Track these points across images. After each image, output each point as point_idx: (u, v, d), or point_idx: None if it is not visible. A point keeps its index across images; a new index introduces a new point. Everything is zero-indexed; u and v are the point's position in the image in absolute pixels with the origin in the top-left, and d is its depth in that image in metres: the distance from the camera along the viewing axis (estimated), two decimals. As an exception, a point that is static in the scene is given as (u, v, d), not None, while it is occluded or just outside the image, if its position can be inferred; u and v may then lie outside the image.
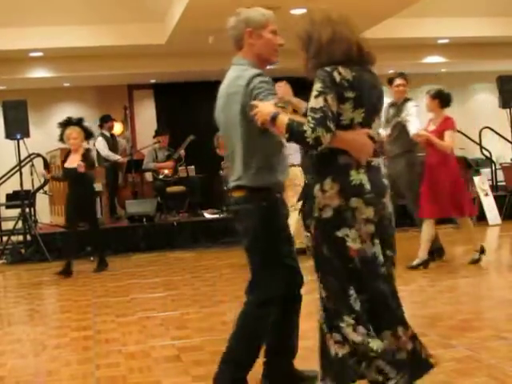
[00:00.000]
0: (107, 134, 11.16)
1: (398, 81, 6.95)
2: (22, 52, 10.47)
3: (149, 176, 11.11)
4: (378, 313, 2.80)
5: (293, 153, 7.87)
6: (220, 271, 7.20)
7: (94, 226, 7.88)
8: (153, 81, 13.16)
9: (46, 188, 10.47)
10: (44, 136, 11.49)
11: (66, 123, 7.97)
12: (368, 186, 2.74)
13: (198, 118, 11.31)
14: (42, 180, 9.82)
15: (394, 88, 6.96)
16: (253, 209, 3.09)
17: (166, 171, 10.32)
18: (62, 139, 7.96)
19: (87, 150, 7.86)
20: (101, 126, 11.21)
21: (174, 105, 13.07)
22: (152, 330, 4.81)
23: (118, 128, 12.22)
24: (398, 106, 6.90)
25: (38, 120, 12.14)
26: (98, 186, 10.28)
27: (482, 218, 10.23)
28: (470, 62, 13.19)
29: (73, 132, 7.71)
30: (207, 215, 10.12)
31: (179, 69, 11.72)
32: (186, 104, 12.81)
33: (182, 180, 10.46)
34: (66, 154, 7.97)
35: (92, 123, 12.22)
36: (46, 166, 10.23)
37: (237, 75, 3.10)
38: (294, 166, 7.78)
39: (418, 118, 6.76)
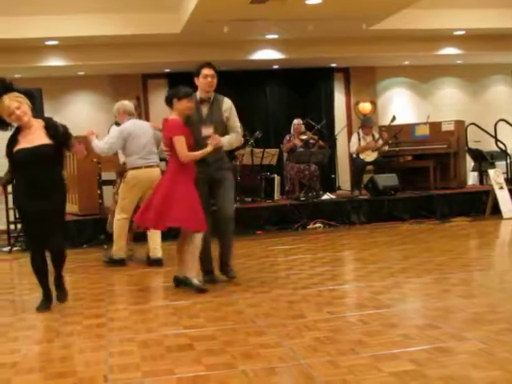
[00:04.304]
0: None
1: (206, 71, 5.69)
2: (38, 40, 10.50)
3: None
4: None
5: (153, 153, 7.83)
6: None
7: (62, 232, 5.47)
8: (167, 70, 13.13)
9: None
10: (59, 124, 11.53)
11: None
12: None
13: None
14: None
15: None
16: None
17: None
18: None
19: (48, 120, 5.49)
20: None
21: (188, 94, 13.05)
22: (165, 318, 4.82)
23: (130, 117, 12.24)
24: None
25: (52, 108, 12.17)
26: (111, 175, 10.31)
27: (496, 211, 10.21)
28: (485, 53, 13.07)
29: (12, 102, 4.94)
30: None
31: (194, 58, 11.65)
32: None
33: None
34: (13, 135, 5.08)
35: (106, 112, 12.32)
36: None
37: None
38: (152, 166, 7.73)
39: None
